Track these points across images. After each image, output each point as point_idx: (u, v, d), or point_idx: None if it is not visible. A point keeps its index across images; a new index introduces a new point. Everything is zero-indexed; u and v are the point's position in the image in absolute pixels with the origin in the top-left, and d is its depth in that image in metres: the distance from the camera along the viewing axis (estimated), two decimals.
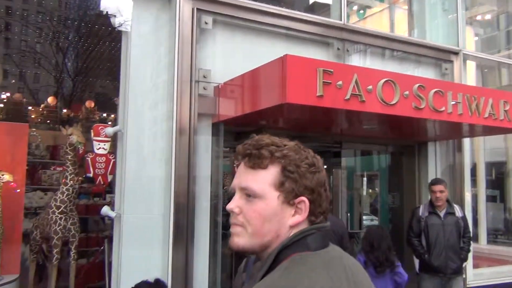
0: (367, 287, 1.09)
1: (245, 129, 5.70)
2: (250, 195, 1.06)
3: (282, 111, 4.41)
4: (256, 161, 1.07)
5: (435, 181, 5.39)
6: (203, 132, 5.08)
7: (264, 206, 1.04)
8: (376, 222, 8.46)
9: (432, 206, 5.25)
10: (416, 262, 5.58)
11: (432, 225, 5.14)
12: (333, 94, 4.09)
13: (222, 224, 5.38)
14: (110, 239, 5.43)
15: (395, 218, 7.27)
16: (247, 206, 1.06)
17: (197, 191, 4.97)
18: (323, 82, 4.01)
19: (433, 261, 5.08)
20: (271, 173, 1.05)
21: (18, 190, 5.86)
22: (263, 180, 1.05)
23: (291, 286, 0.93)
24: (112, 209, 4.91)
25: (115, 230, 4.94)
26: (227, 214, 6.25)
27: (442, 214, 5.19)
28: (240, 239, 1.07)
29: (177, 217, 4.79)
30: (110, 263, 5.47)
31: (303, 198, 1.03)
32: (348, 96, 4.16)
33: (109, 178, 5.32)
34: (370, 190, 9.61)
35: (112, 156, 5.24)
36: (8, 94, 11.62)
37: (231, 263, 6.65)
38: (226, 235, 6.13)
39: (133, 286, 3.49)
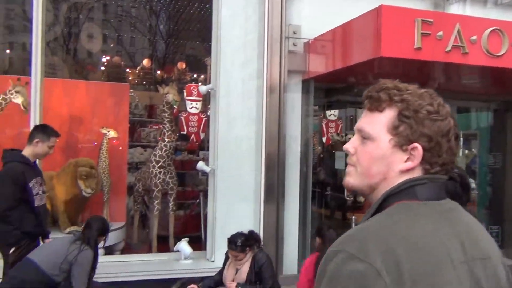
0: (484, 247, 1.00)
1: (335, 85, 5.59)
2: (364, 137, 1.07)
3: (376, 65, 4.24)
4: (374, 104, 1.06)
5: None
6: (293, 89, 5.06)
7: (374, 148, 1.04)
8: (473, 185, 8.00)
9: None
10: None
11: None
12: (433, 46, 3.84)
13: (312, 184, 5.43)
14: (205, 193, 5.72)
15: (496, 180, 6.81)
16: (361, 147, 1.07)
17: (287, 150, 5.02)
18: (422, 33, 3.77)
19: None
20: (387, 116, 1.04)
21: (121, 148, 6.33)
22: (377, 123, 1.05)
23: (387, 229, 0.91)
24: (207, 165, 5.14)
25: (209, 184, 5.19)
26: (316, 173, 6.24)
27: None
28: (351, 178, 1.09)
29: (268, 175, 4.90)
30: (205, 215, 5.80)
31: (416, 144, 1.00)
32: (449, 48, 3.89)
33: (202, 136, 5.54)
34: (467, 151, 9.02)
35: (203, 115, 5.43)
36: (108, 58, 12.37)
37: (321, 221, 6.72)
38: (315, 193, 6.18)
39: (229, 237, 3.68)
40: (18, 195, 3.46)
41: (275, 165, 4.93)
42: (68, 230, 5.30)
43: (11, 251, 3.42)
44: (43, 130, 3.70)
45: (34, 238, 3.44)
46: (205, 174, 5.61)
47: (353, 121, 9.31)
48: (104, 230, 3.60)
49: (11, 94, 4.77)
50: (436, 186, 1.01)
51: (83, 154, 5.82)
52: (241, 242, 3.61)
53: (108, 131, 5.73)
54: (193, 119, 5.38)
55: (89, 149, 5.99)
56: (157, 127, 8.63)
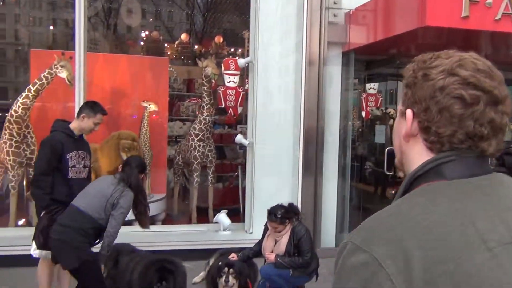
0: None
1: (376, 58, 5.45)
2: None
3: (420, 36, 4.10)
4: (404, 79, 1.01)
5: None
6: (333, 62, 4.97)
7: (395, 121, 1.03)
8: None
9: None
10: None
11: None
12: (481, 15, 3.67)
13: (351, 158, 5.38)
14: (243, 166, 5.78)
15: None
16: None
17: (325, 124, 4.97)
18: (470, 1, 3.60)
19: None
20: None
21: (160, 121, 6.44)
22: (402, 98, 1.00)
23: (400, 215, 0.83)
24: (245, 138, 5.18)
25: (247, 157, 5.24)
26: (355, 148, 6.15)
27: None
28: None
29: (306, 149, 4.89)
30: (243, 188, 5.87)
31: (407, 110, 0.93)
32: (498, 16, 3.71)
33: (239, 109, 5.55)
34: None
35: (241, 89, 5.43)
36: (147, 33, 12.48)
37: (359, 196, 6.68)
38: (354, 168, 6.12)
39: (269, 208, 3.71)
40: (54, 163, 3.57)
41: (314, 139, 4.91)
42: None
43: (42, 214, 3.57)
44: (91, 106, 3.80)
45: (65, 206, 3.52)
46: (243, 147, 5.66)
47: (393, 94, 9.07)
48: (143, 167, 3.68)
49: (56, 68, 4.90)
50: (469, 162, 0.90)
51: (125, 127, 5.95)
52: (281, 214, 3.64)
53: (149, 105, 5.84)
54: (231, 93, 5.39)
55: (131, 122, 6.13)
56: (195, 101, 8.71)
